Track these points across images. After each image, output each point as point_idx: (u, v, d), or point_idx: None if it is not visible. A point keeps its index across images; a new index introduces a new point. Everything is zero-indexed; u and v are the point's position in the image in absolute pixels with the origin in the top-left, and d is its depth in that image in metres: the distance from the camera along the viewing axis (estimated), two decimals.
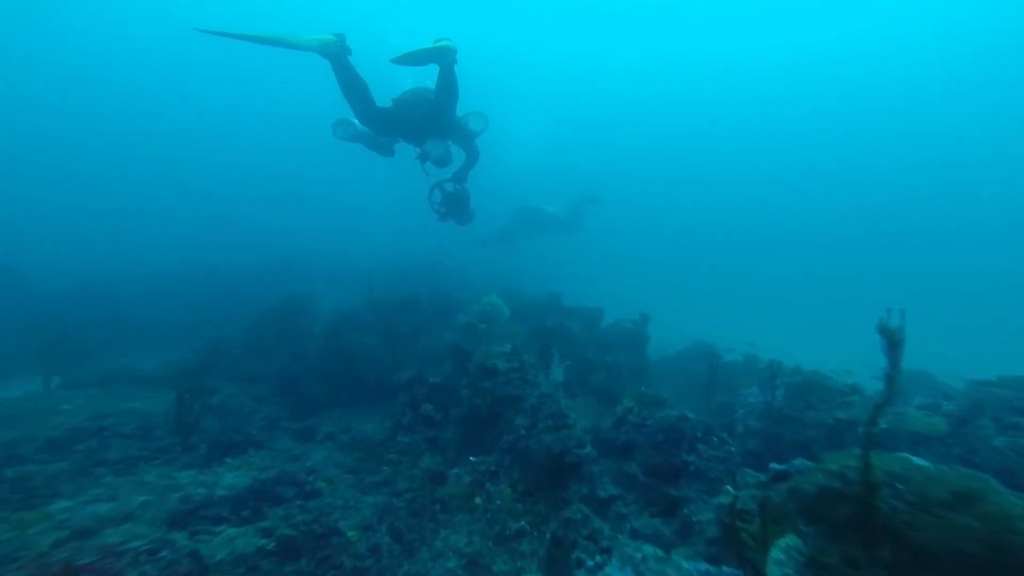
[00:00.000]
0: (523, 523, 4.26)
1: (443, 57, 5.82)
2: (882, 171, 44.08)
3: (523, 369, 5.11)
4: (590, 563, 3.09)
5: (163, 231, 30.54)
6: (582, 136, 41.61)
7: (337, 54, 5.90)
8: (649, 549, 2.76)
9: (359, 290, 13.02)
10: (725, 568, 2.27)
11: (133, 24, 35.21)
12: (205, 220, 35.16)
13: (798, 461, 2.52)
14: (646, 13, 34.99)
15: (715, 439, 4.39)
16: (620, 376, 8.05)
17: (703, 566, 2.35)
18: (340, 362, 8.57)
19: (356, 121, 6.79)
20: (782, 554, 1.96)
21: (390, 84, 6.95)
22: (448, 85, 6.15)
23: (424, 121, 6.45)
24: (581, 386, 7.99)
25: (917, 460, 2.01)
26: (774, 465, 2.65)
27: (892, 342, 1.78)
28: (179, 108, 43.71)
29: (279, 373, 8.17)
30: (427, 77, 6.58)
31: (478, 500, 4.52)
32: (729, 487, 3.02)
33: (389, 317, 9.18)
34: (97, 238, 28.02)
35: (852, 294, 36.41)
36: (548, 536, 3.66)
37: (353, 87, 6.15)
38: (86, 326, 10.54)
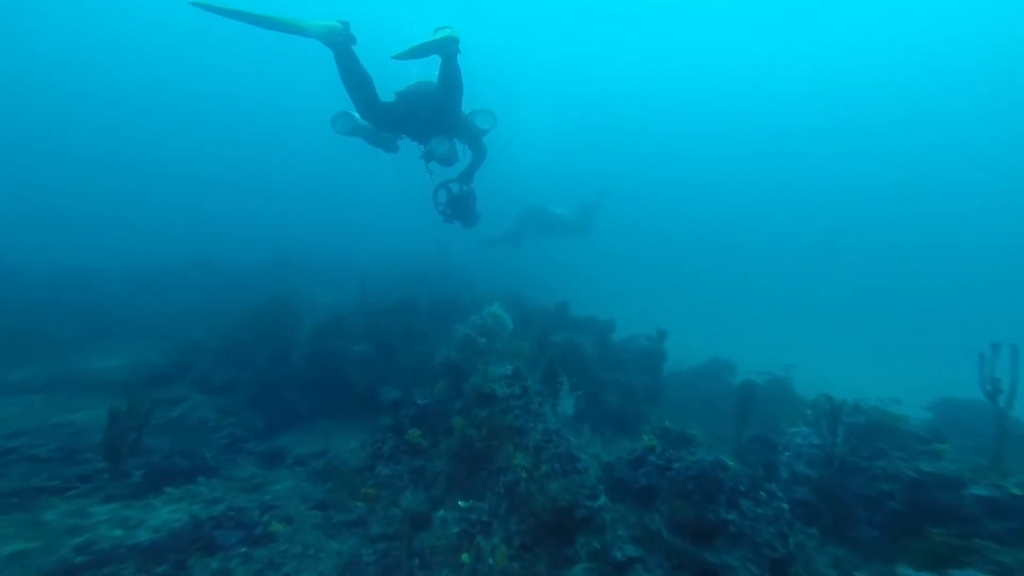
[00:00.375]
0: None
1: (444, 48, 5.45)
2: (915, 177, 42.32)
3: (526, 396, 4.27)
4: None
5: (158, 222, 29.75)
6: (593, 138, 40.73)
7: (342, 43, 5.47)
8: None
9: (372, 292, 12.27)
10: None
11: (129, 7, 34.32)
12: (203, 212, 34.41)
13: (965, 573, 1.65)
14: (661, 15, 34.10)
15: (762, 493, 3.52)
16: (635, 398, 7.18)
17: None
18: (326, 370, 7.85)
19: (357, 115, 6.40)
20: None
21: (395, 79, 6.51)
22: (451, 78, 5.78)
23: (428, 117, 6.11)
24: (591, 408, 7.14)
25: None
26: (910, 573, 1.77)
27: None
28: (178, 95, 42.33)
29: (256, 381, 7.38)
30: (433, 72, 6.17)
31: (465, 557, 3.67)
32: None
33: (383, 322, 8.40)
34: (87, 227, 27.01)
35: (881, 308, 35.15)
36: None
37: (356, 79, 5.76)
38: (61, 320, 9.84)
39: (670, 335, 8.97)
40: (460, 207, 6.79)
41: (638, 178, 40.35)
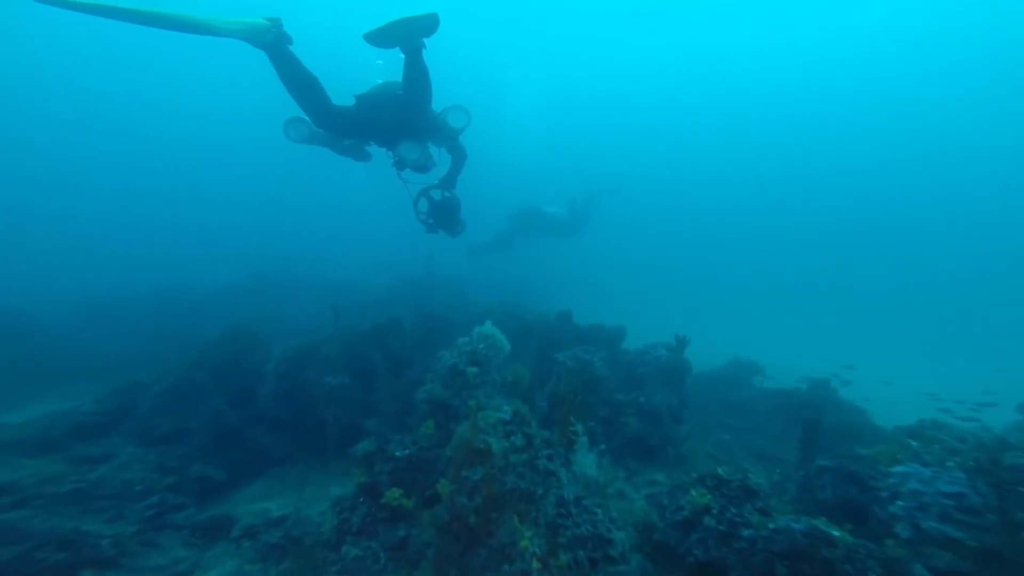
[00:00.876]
0: None
1: (422, 28, 4.82)
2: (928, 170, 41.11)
3: (531, 448, 3.16)
4: None
5: (116, 247, 27.56)
6: (586, 135, 39.69)
7: (273, 43, 4.73)
8: None
9: (351, 312, 11.14)
10: None
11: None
12: (167, 233, 32.26)
13: None
14: (653, 12, 33.24)
15: None
16: (659, 421, 6.06)
17: None
18: (299, 407, 6.76)
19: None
20: None
21: (358, 82, 5.85)
22: (417, 76, 5.21)
23: (394, 121, 5.51)
24: (609, 435, 6.03)
25: None
26: None
27: None
28: (137, 105, 38.62)
29: (213, 425, 6.25)
30: (398, 72, 5.67)
31: None
32: None
33: (361, 349, 7.32)
34: (32, 256, 24.51)
35: (902, 303, 33.88)
36: None
37: (299, 83, 5.09)
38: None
39: (671, 332, 7.89)
40: (443, 215, 6.33)
41: (628, 175, 39.28)
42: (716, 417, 8.28)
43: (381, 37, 4.83)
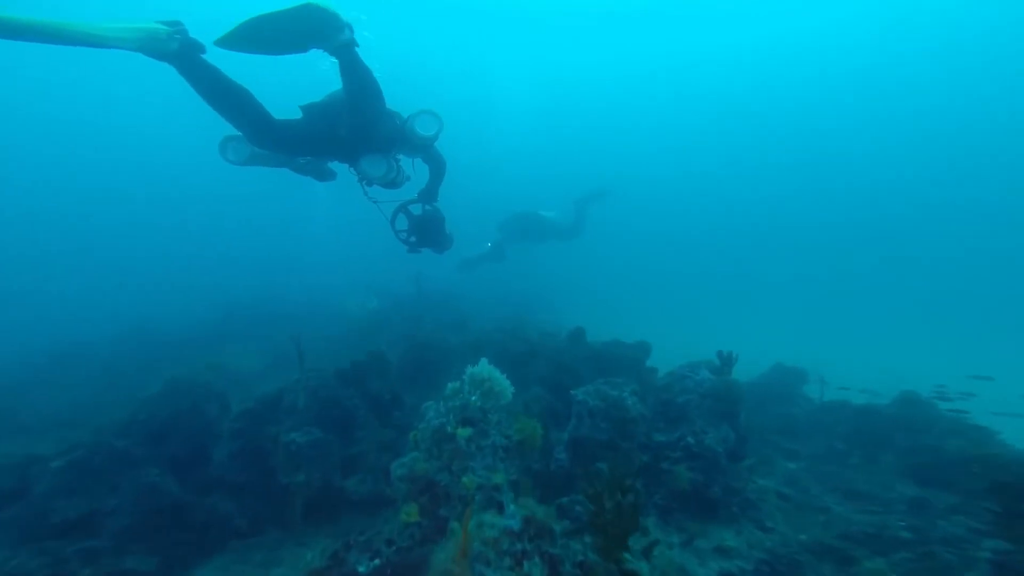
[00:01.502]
0: None
1: (327, 32, 4.01)
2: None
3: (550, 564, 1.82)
4: None
5: (75, 282, 25.47)
6: (580, 138, 38.75)
7: (178, 53, 3.71)
8: None
9: (331, 345, 9.90)
10: None
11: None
12: (133, 265, 30.11)
13: None
14: (641, 15, 32.47)
15: None
16: (716, 466, 4.69)
17: None
18: (260, 470, 5.51)
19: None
20: None
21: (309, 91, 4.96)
22: (356, 79, 4.33)
23: (352, 134, 4.72)
24: (651, 487, 4.68)
25: None
26: None
27: None
28: (88, 127, 36.29)
29: (141, 502, 4.93)
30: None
31: None
32: None
33: (335, 394, 6.05)
34: None
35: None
36: None
37: (223, 98, 4.13)
38: None
39: (695, 343, 6.63)
40: (426, 232, 5.74)
41: (625, 177, 38.23)
42: (771, 440, 6.85)
43: (242, 37, 3.90)
